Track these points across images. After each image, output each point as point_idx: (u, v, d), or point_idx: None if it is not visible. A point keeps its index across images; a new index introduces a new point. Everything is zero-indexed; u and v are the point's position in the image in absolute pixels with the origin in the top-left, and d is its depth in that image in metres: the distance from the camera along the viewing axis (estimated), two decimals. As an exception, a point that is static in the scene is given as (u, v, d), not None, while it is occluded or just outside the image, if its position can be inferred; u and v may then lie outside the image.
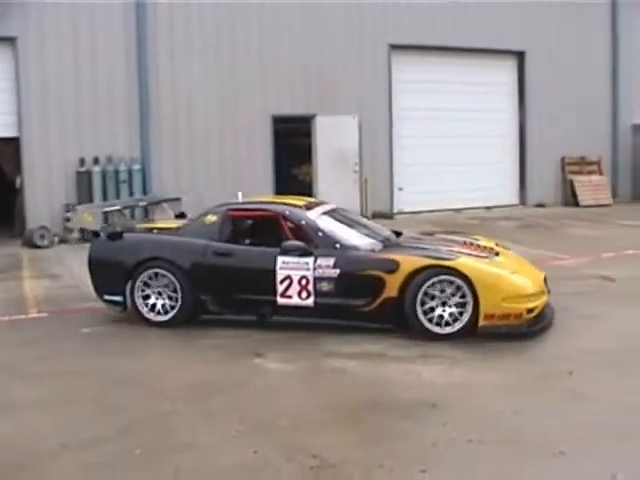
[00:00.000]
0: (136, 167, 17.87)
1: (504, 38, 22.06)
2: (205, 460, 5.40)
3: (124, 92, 17.87)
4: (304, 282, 8.81)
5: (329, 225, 9.41)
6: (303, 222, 9.30)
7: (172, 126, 18.38)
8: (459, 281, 8.34)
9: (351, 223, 10.01)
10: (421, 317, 8.41)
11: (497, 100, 22.71)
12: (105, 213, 11.14)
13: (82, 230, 14.29)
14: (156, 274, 9.28)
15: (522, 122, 22.96)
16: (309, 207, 9.82)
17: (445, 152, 21.32)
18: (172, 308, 9.25)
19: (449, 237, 10.32)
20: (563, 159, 23.54)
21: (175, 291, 9.21)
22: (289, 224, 9.38)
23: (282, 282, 8.87)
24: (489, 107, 22.39)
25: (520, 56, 22.85)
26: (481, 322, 8.33)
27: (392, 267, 8.54)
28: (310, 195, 19.17)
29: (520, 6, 22.12)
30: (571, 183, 23.25)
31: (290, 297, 8.87)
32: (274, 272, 8.88)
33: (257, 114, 18.91)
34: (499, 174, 22.44)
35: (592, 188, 23.38)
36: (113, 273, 9.54)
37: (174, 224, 10.70)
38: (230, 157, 18.76)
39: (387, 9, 20.19)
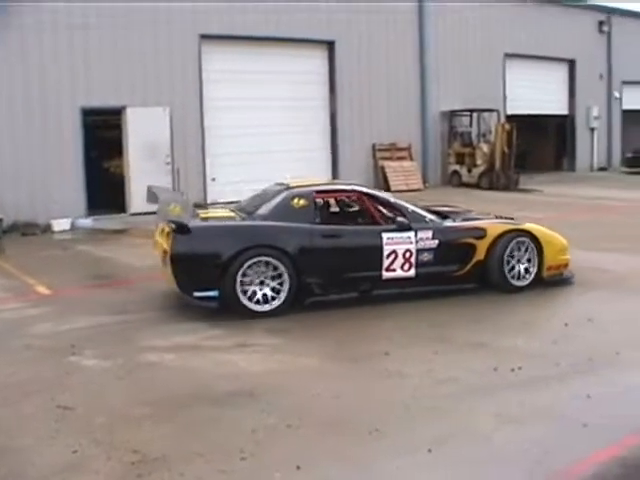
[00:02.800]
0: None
1: (314, 28, 22.36)
2: (22, 464, 5.24)
3: None
4: (407, 255, 9.56)
5: (407, 203, 10.23)
6: (392, 200, 10.16)
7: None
8: (529, 241, 10.05)
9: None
10: (507, 275, 9.94)
11: (309, 89, 22.98)
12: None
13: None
14: (259, 262, 8.90)
15: (333, 110, 23.33)
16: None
17: (258, 141, 21.38)
18: (273, 298, 8.99)
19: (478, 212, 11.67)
20: (374, 146, 24.10)
21: (279, 277, 8.99)
22: (375, 203, 10.04)
23: (388, 257, 9.48)
24: (301, 96, 22.62)
25: (330, 46, 23.20)
26: (545, 273, 10.23)
27: (481, 234, 9.94)
28: (122, 188, 18.95)
29: (330, -4, 22.53)
30: (382, 169, 23.83)
31: (394, 270, 9.54)
32: (381, 248, 9.43)
33: (65, 106, 18.35)
34: (312, 162, 22.66)
35: (403, 173, 24.06)
36: (205, 267, 8.90)
37: (225, 212, 10.41)
38: (38, 152, 18.06)
39: (197, -2, 20.08)
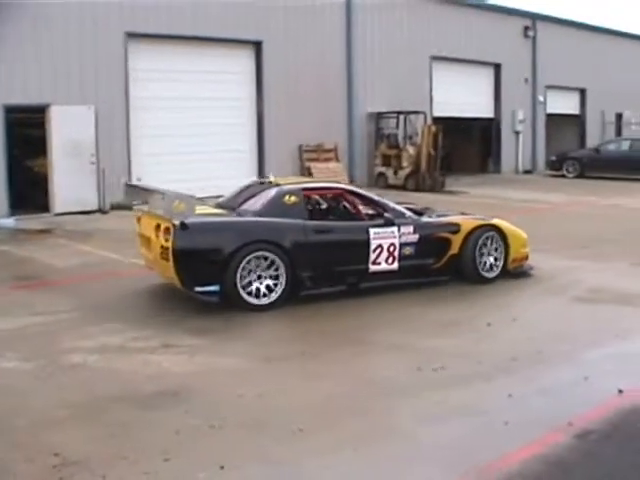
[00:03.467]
0: None
1: (241, 28, 22.24)
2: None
3: None
4: (392, 249, 10.12)
5: (388, 200, 10.93)
6: (375, 198, 10.82)
7: None
8: (497, 235, 10.83)
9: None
10: (478, 267, 10.61)
11: (236, 89, 22.87)
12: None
13: None
14: (257, 257, 9.15)
15: (260, 111, 23.25)
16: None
17: (185, 141, 21.21)
18: (270, 291, 9.24)
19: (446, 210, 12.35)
20: (301, 147, 24.10)
21: (276, 272, 9.26)
22: (357, 200, 10.64)
23: (374, 251, 9.99)
24: (228, 96, 22.50)
25: (257, 46, 23.10)
26: (510, 265, 10.99)
27: (456, 229, 10.63)
28: (45, 186, 18.65)
29: (257, -4, 22.50)
30: (309, 170, 23.82)
31: (379, 264, 10.06)
32: (368, 243, 9.94)
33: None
34: (238, 162, 22.60)
35: (329, 174, 24.03)
36: (207, 262, 9.10)
37: (210, 209, 10.40)
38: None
39: (123, -4, 19.84)
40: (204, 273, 9.07)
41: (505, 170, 32.64)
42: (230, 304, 9.07)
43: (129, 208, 18.54)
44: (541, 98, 34.88)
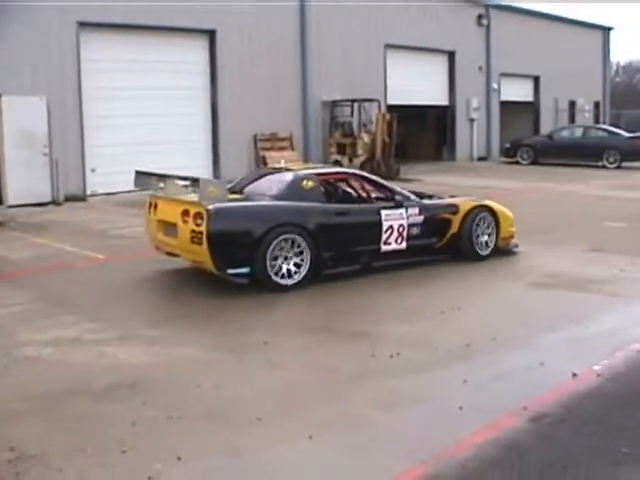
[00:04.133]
0: None
1: (195, 17, 22.09)
2: None
3: None
4: (401, 229, 10.77)
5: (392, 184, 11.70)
6: (382, 182, 11.49)
7: None
8: (489, 215, 11.63)
9: None
10: (475, 245, 11.43)
11: (190, 78, 22.73)
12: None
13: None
14: (285, 239, 9.57)
15: (214, 100, 23.15)
16: None
17: (139, 131, 21.07)
18: (295, 272, 9.70)
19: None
20: (255, 136, 24.03)
21: (301, 253, 9.74)
22: (365, 183, 11.35)
23: (386, 231, 10.61)
24: (182, 85, 22.37)
25: (212, 35, 22.98)
26: (500, 243, 11.82)
27: (455, 209, 11.42)
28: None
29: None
30: (264, 159, 23.75)
31: (390, 244, 10.69)
32: (380, 224, 10.55)
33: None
34: (194, 152, 22.53)
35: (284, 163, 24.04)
36: (238, 245, 9.46)
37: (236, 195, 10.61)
38: None
39: (73, -15, 19.60)
40: (236, 256, 9.41)
41: (460, 157, 32.85)
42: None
43: (83, 199, 18.48)
44: (495, 86, 35.13)
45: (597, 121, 41.92)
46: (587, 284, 10.00)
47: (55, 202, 18.64)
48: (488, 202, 11.94)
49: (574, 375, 6.48)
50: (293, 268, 9.69)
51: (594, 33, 43.81)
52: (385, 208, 10.75)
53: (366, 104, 26.74)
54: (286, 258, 9.63)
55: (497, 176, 26.14)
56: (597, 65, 44.23)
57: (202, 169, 22.64)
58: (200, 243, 9.29)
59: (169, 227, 10.03)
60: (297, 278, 9.70)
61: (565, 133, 32.97)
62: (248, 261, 9.38)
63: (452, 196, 12.32)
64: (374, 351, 7.17)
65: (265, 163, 23.39)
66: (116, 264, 11.57)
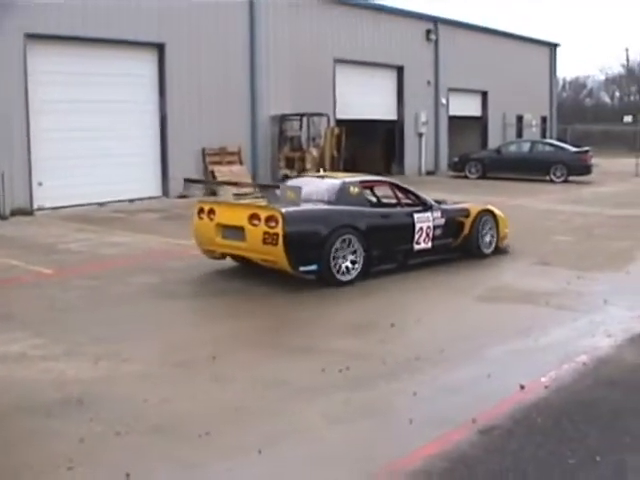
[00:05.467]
0: None
1: (143, 30, 21.94)
2: None
3: None
4: (428, 230, 12.09)
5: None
6: (410, 188, 12.74)
7: None
8: (491, 218, 13.12)
9: None
10: (481, 245, 12.85)
11: (138, 92, 22.53)
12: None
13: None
14: (343, 240, 10.65)
15: (163, 114, 22.99)
16: None
17: (87, 145, 20.79)
18: (350, 269, 10.78)
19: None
20: (204, 150, 23.93)
21: (355, 252, 10.85)
22: (398, 191, 12.56)
23: (418, 232, 11.92)
24: (131, 99, 22.17)
25: (160, 48, 22.86)
26: (499, 243, 13.26)
27: (467, 213, 12.91)
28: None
29: (159, -1, 22.29)
30: (212, 173, 23.64)
31: (420, 243, 12.00)
32: (413, 225, 11.87)
33: None
34: (142, 166, 22.31)
35: (233, 178, 23.96)
36: (308, 245, 10.44)
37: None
38: None
39: (20, -3, 19.38)
40: (306, 255, 10.39)
41: (408, 172, 32.98)
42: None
43: (30, 213, 18.26)
44: (444, 100, 35.39)
45: (544, 136, 42.41)
46: (535, 297, 10.10)
47: (1, 216, 18.38)
48: (490, 207, 13.41)
49: (522, 387, 6.54)
50: (350, 265, 10.76)
51: (541, 49, 44.40)
52: (416, 212, 12.09)
53: (315, 118, 26.77)
54: (344, 257, 10.71)
55: (446, 190, 26.18)
56: (544, 80, 44.80)
57: (151, 182, 22.52)
58: (274, 244, 10.21)
59: (233, 230, 10.85)
60: (353, 274, 10.79)
61: (513, 148, 33.33)
62: (315, 259, 10.42)
63: (456, 202, 13.86)
64: (323, 365, 7.16)
65: (214, 177, 23.31)
66: (64, 278, 11.43)
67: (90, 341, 8.06)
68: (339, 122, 27.80)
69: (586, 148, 32.17)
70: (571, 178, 30.10)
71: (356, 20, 29.91)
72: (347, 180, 11.88)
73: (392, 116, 33.11)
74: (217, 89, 24.19)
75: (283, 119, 26.46)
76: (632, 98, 79.60)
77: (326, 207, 11.16)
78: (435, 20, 34.58)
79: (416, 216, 12.00)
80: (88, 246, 14.14)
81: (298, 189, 10.89)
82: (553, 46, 45.51)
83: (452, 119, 36.35)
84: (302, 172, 25.15)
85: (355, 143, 29.79)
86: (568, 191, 26.40)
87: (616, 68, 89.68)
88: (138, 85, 22.49)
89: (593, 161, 31.45)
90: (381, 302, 10.11)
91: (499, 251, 13.26)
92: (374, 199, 12.83)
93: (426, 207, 12.30)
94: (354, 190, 11.58)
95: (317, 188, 11.56)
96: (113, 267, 12.15)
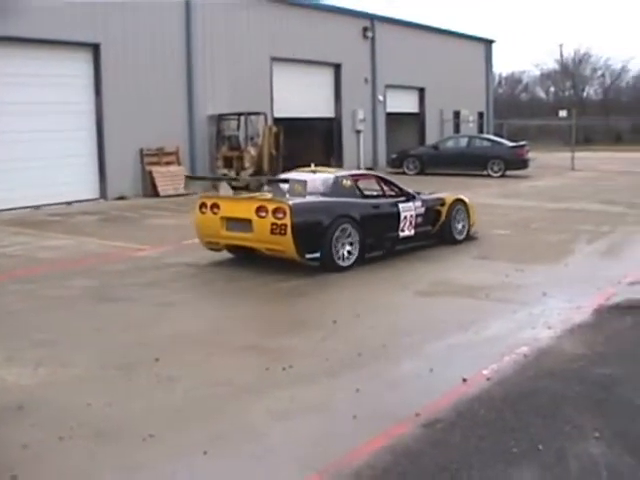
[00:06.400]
0: None
1: (78, 30, 21.63)
2: None
3: None
4: (411, 219, 13.02)
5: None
6: (393, 180, 13.85)
7: None
8: (463, 207, 14.21)
9: None
10: (453, 231, 13.87)
11: (73, 93, 22.20)
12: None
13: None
14: (342, 229, 11.51)
15: (100, 115, 22.75)
16: None
17: (23, 147, 20.45)
18: (350, 254, 11.68)
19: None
20: (142, 151, 23.74)
21: (351, 240, 11.72)
22: (383, 183, 13.64)
23: (403, 220, 12.83)
24: (66, 100, 21.83)
25: (95, 48, 22.56)
26: (469, 230, 14.30)
27: (443, 202, 13.95)
28: None
29: (92, -2, 21.98)
30: (150, 174, 23.51)
31: (404, 231, 12.89)
32: (399, 214, 12.78)
33: None
34: (78, 168, 22.01)
35: (171, 178, 23.82)
36: (313, 234, 11.25)
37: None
38: None
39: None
40: (311, 243, 11.21)
41: (347, 168, 33.03)
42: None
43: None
44: (381, 97, 35.56)
45: (481, 131, 42.79)
46: (475, 291, 10.20)
47: None
48: (461, 196, 14.48)
49: (464, 380, 6.60)
50: (348, 252, 11.62)
51: (477, 46, 44.84)
52: (400, 202, 12.99)
53: (253, 117, 26.70)
54: (342, 244, 11.56)
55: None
56: (480, 76, 45.26)
57: (88, 184, 22.27)
58: (283, 234, 10.99)
59: (239, 223, 11.63)
60: (351, 260, 11.66)
61: (450, 143, 33.63)
62: (318, 247, 11.23)
63: (432, 192, 14.83)
64: (267, 364, 7.16)
65: (152, 178, 23.16)
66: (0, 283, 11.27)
67: (30, 346, 7.95)
68: (277, 121, 27.77)
69: (523, 143, 32.59)
70: (508, 172, 30.50)
71: (293, 19, 29.95)
72: (339, 174, 12.91)
73: (330, 114, 33.21)
74: (154, 89, 24.01)
75: (221, 118, 26.36)
76: (567, 93, 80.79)
77: (326, 199, 11.98)
78: (372, 18, 34.74)
79: (401, 206, 12.89)
80: (25, 250, 13.94)
81: (304, 182, 11.55)
82: (488, 42, 45.99)
83: (390, 116, 36.56)
84: (240, 171, 25.11)
85: (294, 141, 29.73)
86: (506, 185, 26.71)
87: (551, 64, 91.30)
88: (74, 86, 22.20)
89: (530, 155, 31.89)
90: (323, 299, 10.14)
91: (469, 237, 14.24)
92: (364, 190, 13.52)
93: (409, 197, 13.22)
94: (346, 183, 12.48)
95: (312, 182, 11.98)
96: (51, 271, 12.00)
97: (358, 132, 33.93)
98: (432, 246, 13.51)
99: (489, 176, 30.27)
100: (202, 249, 12.67)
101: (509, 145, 32.02)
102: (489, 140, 33.49)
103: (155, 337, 8.28)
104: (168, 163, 24.30)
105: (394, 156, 33.42)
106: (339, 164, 32.79)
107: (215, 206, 12.01)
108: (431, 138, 38.32)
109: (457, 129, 41.31)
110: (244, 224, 11.48)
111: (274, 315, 9.31)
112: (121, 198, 22.42)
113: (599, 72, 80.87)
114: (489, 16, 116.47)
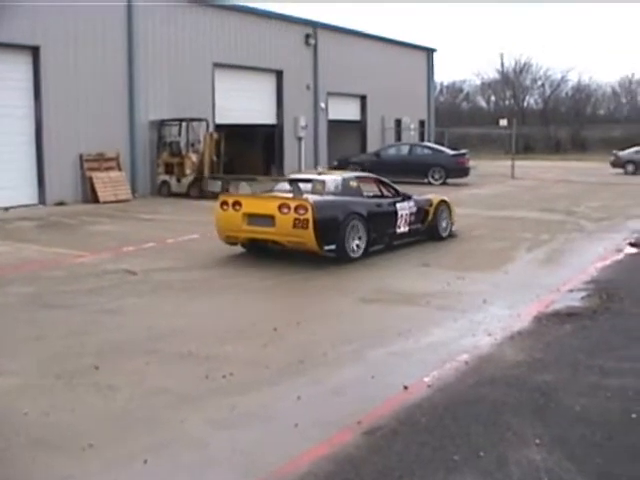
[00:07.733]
0: None
1: (16, 32, 21.24)
2: None
3: None
4: (406, 217, 14.46)
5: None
6: (389, 182, 15.14)
7: None
8: (446, 207, 15.73)
9: None
10: (439, 229, 15.39)
11: (11, 96, 21.85)
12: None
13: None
14: (353, 225, 12.81)
15: (39, 119, 22.42)
16: None
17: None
18: (358, 247, 12.99)
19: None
20: (82, 156, 23.45)
21: (360, 235, 13.03)
22: (381, 185, 15.06)
23: (399, 218, 14.28)
24: (4, 103, 21.49)
25: (35, 51, 22.26)
26: (452, 228, 15.90)
27: (430, 202, 15.46)
28: None
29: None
30: (90, 180, 23.24)
31: (400, 227, 14.36)
32: (396, 212, 14.24)
33: None
34: (16, 173, 21.66)
35: (111, 184, 23.60)
36: (330, 228, 12.45)
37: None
38: None
39: None
40: (328, 236, 12.42)
41: (288, 175, 33.01)
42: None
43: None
44: (323, 105, 35.63)
45: (422, 139, 43.08)
46: (416, 298, 10.25)
47: None
48: (445, 197, 16.10)
49: (405, 387, 6.61)
50: (357, 245, 12.93)
51: (419, 54, 45.14)
52: (397, 202, 14.42)
53: (194, 124, 26.51)
54: (352, 238, 12.86)
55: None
56: (422, 85, 45.57)
57: (26, 189, 21.94)
58: (305, 228, 12.21)
59: (261, 218, 12.72)
60: (360, 252, 12.98)
61: (392, 151, 33.80)
62: (334, 241, 12.47)
63: (420, 194, 16.13)
64: (207, 372, 7.10)
65: (92, 184, 22.90)
66: None
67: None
68: (219, 127, 27.66)
69: (463, 151, 32.93)
70: (449, 180, 30.78)
71: (235, 25, 29.89)
72: (346, 175, 14.33)
73: (272, 120, 33.17)
74: (95, 93, 23.76)
75: (162, 124, 26.17)
76: (507, 102, 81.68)
77: (339, 197, 13.25)
78: (314, 25, 34.80)
79: (398, 205, 14.35)
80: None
81: (323, 183, 13.26)
82: (430, 51, 46.31)
83: (331, 123, 36.62)
84: (181, 177, 24.97)
85: (235, 147, 29.66)
86: (446, 193, 26.56)
87: (492, 73, 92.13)
88: (12, 89, 21.87)
89: (470, 163, 32.21)
90: (263, 305, 10.10)
91: (451, 235, 15.75)
92: (366, 191, 14.64)
93: (404, 198, 14.70)
94: (353, 184, 13.75)
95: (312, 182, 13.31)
96: (-12, 277, 11.80)
97: (300, 139, 33.94)
98: (382, 251, 13.82)
99: (430, 184, 30.46)
100: (141, 256, 12.56)
101: (450, 153, 32.30)
102: (430, 148, 33.73)
103: (95, 345, 8.16)
104: (108, 169, 24.04)
105: (335, 163, 33.46)
106: (280, 171, 32.80)
107: (237, 203, 13.05)
108: (373, 146, 38.48)
109: (399, 137, 41.51)
110: (266, 219, 12.61)
111: (214, 323, 9.23)
112: (60, 204, 22.12)
113: (539, 82, 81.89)
114: (431, 25, 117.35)
